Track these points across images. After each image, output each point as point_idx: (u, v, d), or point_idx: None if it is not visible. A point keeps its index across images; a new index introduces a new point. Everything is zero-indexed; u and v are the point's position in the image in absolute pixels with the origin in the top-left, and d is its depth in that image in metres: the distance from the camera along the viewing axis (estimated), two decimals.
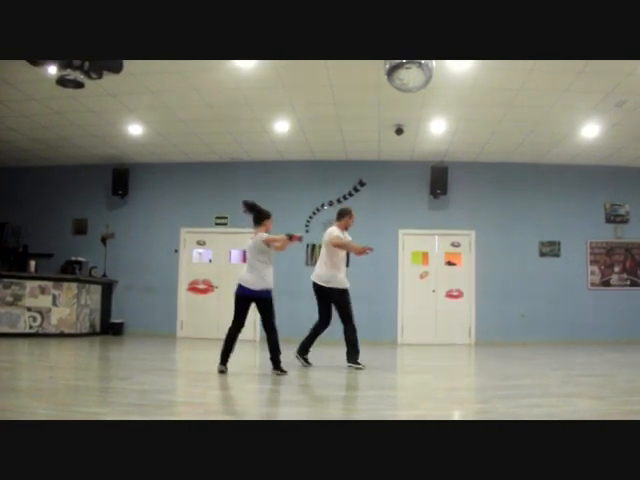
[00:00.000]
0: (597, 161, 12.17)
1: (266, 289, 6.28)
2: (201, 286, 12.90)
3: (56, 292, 11.23)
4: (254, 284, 6.25)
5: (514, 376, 6.42)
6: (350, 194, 12.68)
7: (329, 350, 8.09)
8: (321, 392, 5.36)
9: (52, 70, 7.34)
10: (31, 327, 10.91)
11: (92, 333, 12.01)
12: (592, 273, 12.37)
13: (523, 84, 8.42)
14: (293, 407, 4.42)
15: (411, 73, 6.56)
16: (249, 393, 5.21)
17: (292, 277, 11.82)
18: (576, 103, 9.12)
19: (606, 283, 12.34)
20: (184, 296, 12.92)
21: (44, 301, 11.10)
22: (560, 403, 4.43)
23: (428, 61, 6.46)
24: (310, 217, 12.45)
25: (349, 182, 12.71)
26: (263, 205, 11.44)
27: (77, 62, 6.83)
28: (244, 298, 6.28)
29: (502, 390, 5.17)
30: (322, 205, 12.56)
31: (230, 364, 6.27)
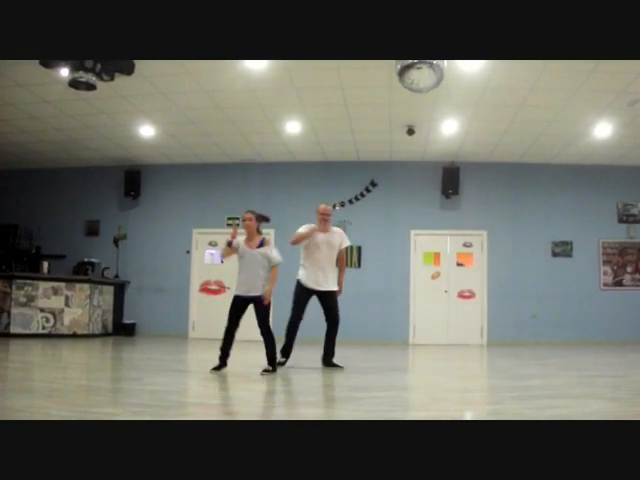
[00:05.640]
0: (609, 161, 12.10)
1: None
2: (213, 287, 12.93)
3: (69, 293, 11.29)
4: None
5: (526, 377, 6.39)
6: (362, 195, 12.68)
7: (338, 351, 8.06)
8: (332, 393, 5.36)
9: (64, 72, 7.39)
10: (44, 328, 10.96)
11: (104, 334, 12.06)
12: (604, 273, 12.30)
13: (535, 84, 8.38)
14: (304, 408, 4.42)
15: (422, 73, 6.55)
16: (260, 394, 5.21)
17: None
18: (588, 103, 9.07)
19: (618, 283, 12.27)
20: (196, 297, 12.96)
21: (57, 302, 11.15)
22: (573, 404, 4.41)
23: (439, 61, 6.45)
24: None
25: (361, 183, 12.71)
26: (274, 205, 11.53)
27: (89, 64, 6.88)
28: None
29: (514, 391, 5.14)
30: (334, 206, 12.53)
31: (239, 365, 6.27)
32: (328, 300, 6.97)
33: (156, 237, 13.05)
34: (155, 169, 13.23)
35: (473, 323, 12.38)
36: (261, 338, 6.28)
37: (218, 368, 6.21)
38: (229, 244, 6.33)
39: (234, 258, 6.47)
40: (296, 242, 7.02)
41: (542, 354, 9.48)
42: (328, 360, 6.95)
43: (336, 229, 7.25)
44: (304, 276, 6.99)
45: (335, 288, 7.01)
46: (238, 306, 6.29)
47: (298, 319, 6.96)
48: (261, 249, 6.28)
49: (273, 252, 6.34)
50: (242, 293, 6.26)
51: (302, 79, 8.50)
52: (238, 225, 6.58)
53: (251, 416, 4.06)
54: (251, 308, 6.30)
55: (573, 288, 12.25)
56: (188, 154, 12.52)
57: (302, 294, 6.99)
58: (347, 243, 7.16)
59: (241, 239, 6.34)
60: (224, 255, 6.52)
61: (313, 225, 7.03)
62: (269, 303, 6.30)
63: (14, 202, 13.23)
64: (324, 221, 7.00)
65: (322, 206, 7.09)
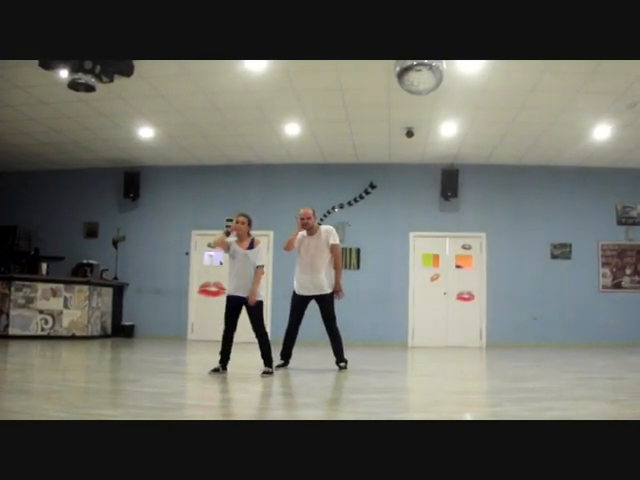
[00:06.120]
0: (609, 163, 12.11)
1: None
2: (212, 288, 12.92)
3: (67, 295, 11.28)
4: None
5: (525, 379, 6.39)
6: (361, 197, 12.67)
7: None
8: (331, 395, 5.36)
9: (63, 74, 7.39)
10: (43, 329, 10.95)
11: (103, 335, 12.05)
12: (603, 275, 12.30)
13: (534, 86, 8.38)
14: (303, 409, 4.41)
15: (421, 75, 6.56)
16: (259, 396, 5.21)
17: None
18: (588, 105, 9.07)
19: (617, 285, 12.27)
20: (195, 299, 12.95)
21: (55, 304, 11.14)
22: (572, 406, 4.40)
23: (439, 63, 6.45)
24: (321, 220, 12.42)
25: (360, 185, 12.71)
26: (273, 207, 11.50)
27: (88, 65, 6.88)
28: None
29: (513, 393, 5.14)
30: (333, 208, 12.56)
31: (239, 367, 6.27)
32: (321, 306, 6.96)
33: (155, 239, 13.04)
34: (154, 171, 13.22)
35: (472, 325, 12.38)
36: (255, 339, 6.37)
37: (217, 370, 6.23)
38: (227, 234, 6.38)
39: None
40: (286, 247, 7.15)
41: (541, 356, 9.48)
42: (336, 362, 6.95)
43: (323, 228, 7.11)
44: (294, 283, 7.06)
45: (327, 292, 6.94)
46: (233, 307, 6.34)
47: (292, 325, 7.00)
48: (254, 249, 6.37)
49: (260, 253, 6.43)
50: (235, 293, 6.31)
51: (301, 81, 8.49)
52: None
53: (250, 417, 4.06)
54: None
55: (572, 290, 12.25)
56: (187, 156, 12.52)
57: (294, 301, 7.06)
58: (334, 239, 7.00)
59: (233, 239, 6.39)
60: (216, 243, 6.46)
61: (297, 223, 7.07)
62: (261, 304, 6.40)
63: (13, 203, 13.23)
64: (304, 225, 6.97)
65: (302, 210, 7.03)
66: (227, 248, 6.38)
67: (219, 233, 6.55)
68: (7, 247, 12.46)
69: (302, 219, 6.94)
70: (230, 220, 12.40)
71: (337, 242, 7.04)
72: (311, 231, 6.98)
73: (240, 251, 6.32)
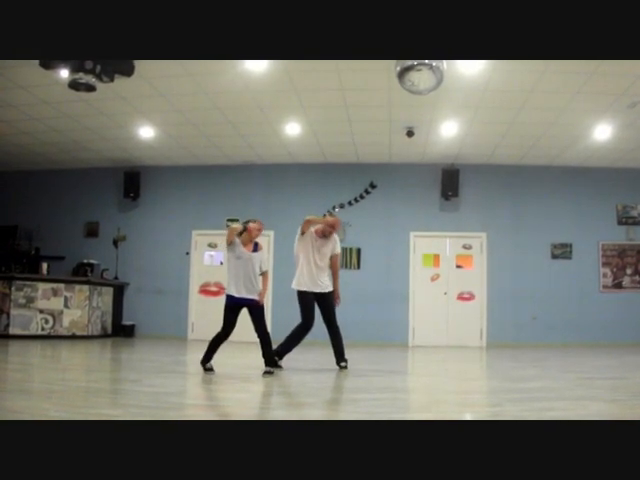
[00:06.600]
0: (609, 163, 12.11)
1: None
2: (212, 288, 12.91)
3: (68, 294, 11.29)
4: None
5: (526, 379, 6.38)
6: (361, 196, 12.67)
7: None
8: (332, 395, 5.35)
9: (64, 74, 7.39)
10: (43, 329, 10.95)
11: (103, 335, 12.05)
12: (604, 275, 12.30)
13: (534, 86, 8.38)
14: (304, 409, 4.41)
15: (422, 75, 6.56)
16: (259, 395, 5.21)
17: None
18: (588, 105, 9.08)
19: (618, 285, 12.27)
20: (195, 298, 12.95)
21: (56, 303, 11.15)
22: (572, 406, 4.40)
23: (439, 63, 6.45)
24: None
25: (360, 184, 12.71)
26: (273, 207, 11.54)
27: (89, 65, 6.88)
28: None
29: (514, 393, 5.14)
30: (333, 207, 12.55)
31: (240, 367, 6.25)
32: (324, 305, 6.97)
33: (155, 238, 13.05)
34: (155, 170, 13.22)
35: (472, 325, 12.38)
36: (256, 340, 6.38)
37: (211, 369, 6.24)
38: (245, 229, 6.39)
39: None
40: (306, 224, 6.97)
41: (541, 356, 9.48)
42: (336, 362, 6.94)
43: (334, 236, 7.18)
44: (299, 281, 6.99)
45: (330, 290, 7.00)
46: (234, 307, 6.35)
47: (311, 322, 6.91)
48: (258, 253, 6.46)
49: (264, 257, 6.66)
50: (238, 294, 6.30)
51: (302, 81, 8.50)
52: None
53: (250, 417, 4.05)
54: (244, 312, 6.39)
55: (573, 290, 12.25)
56: (187, 155, 12.52)
57: (305, 297, 6.97)
58: (338, 250, 7.17)
59: (238, 240, 6.39)
60: (234, 231, 6.39)
61: (326, 219, 7.16)
62: (263, 304, 6.50)
63: (14, 203, 13.25)
64: (328, 232, 7.01)
65: (337, 220, 7.14)
66: (230, 242, 6.37)
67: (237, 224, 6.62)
68: (8, 247, 12.47)
69: (330, 226, 7.01)
70: (230, 220, 12.47)
71: (340, 252, 7.25)
72: (323, 235, 7.05)
73: (246, 253, 6.35)
